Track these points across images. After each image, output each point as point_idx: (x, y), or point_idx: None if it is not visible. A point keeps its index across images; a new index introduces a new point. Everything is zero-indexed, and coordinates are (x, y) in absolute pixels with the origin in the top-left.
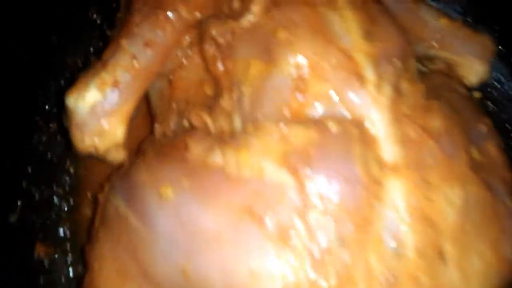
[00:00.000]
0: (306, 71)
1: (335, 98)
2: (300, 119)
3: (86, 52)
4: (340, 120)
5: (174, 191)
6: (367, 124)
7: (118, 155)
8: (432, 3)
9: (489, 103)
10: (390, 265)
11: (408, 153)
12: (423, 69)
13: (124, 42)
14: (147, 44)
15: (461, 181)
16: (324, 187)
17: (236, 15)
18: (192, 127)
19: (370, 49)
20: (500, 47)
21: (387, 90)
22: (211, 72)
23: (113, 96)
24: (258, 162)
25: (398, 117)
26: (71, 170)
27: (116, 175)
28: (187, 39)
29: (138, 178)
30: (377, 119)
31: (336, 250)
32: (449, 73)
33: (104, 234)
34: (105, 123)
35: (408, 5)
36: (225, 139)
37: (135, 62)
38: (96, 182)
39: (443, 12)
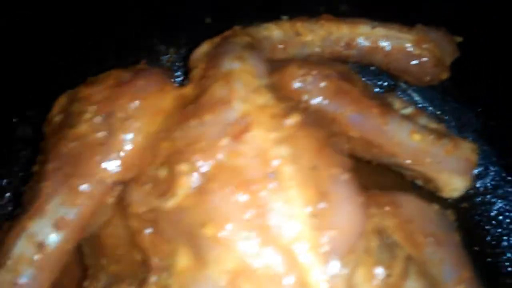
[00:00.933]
0: (239, 280)
1: None
2: None
3: None
4: None
5: None
6: None
7: None
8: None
9: None
10: None
11: None
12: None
13: (29, 225)
14: (58, 225)
15: None
16: None
17: (161, 190)
18: None
19: (317, 243)
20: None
21: None
22: (137, 243)
23: None
24: None
25: None
26: None
27: None
28: (111, 198)
29: None
30: None
31: None
32: (426, 186)
33: None
34: None
35: (376, 121)
36: None
37: (42, 251)
38: None
39: (415, 124)
